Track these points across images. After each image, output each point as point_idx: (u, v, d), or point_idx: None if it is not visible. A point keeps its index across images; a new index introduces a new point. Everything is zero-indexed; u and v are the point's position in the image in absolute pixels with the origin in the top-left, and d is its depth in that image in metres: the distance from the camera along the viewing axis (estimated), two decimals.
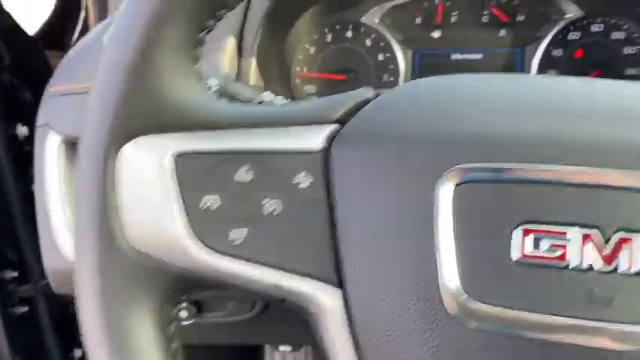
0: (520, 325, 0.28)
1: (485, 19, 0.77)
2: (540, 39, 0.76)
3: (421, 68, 0.79)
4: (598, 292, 0.27)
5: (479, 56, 0.78)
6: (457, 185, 0.29)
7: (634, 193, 0.27)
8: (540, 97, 0.32)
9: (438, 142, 0.30)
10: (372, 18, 0.79)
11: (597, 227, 0.27)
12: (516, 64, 0.77)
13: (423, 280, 0.29)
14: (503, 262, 0.28)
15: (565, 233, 0.27)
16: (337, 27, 0.79)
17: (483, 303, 0.28)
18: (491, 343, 0.28)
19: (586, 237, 0.27)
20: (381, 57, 0.79)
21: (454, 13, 0.78)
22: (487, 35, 0.77)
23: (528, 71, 0.77)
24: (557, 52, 0.77)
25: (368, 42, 0.79)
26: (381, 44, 0.79)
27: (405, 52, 0.79)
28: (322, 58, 0.80)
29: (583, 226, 0.27)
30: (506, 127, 0.30)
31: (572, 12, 0.75)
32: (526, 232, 0.28)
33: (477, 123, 0.30)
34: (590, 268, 0.27)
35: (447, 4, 0.78)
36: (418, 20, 0.79)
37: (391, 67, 0.79)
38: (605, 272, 0.27)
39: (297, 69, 0.80)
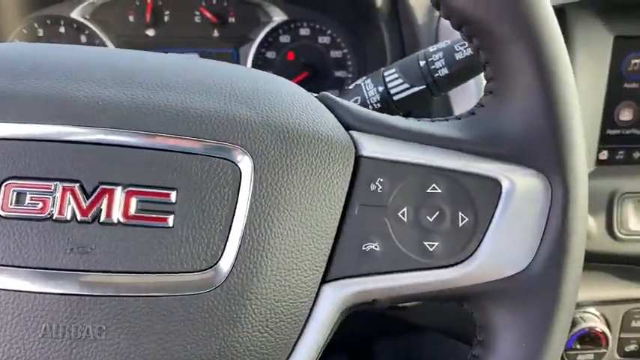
0: (9, 280, 0.28)
1: (197, 19, 0.77)
2: (252, 41, 0.78)
3: None
4: (80, 242, 0.28)
5: (195, 56, 0.78)
6: None
7: (111, 149, 0.28)
8: (40, 62, 0.32)
9: None
10: (82, 14, 0.76)
11: (79, 181, 0.28)
12: None
13: None
14: None
15: (49, 187, 0.28)
16: (48, 22, 0.76)
17: None
18: None
19: (67, 190, 0.28)
20: None
21: (166, 13, 0.77)
22: (201, 35, 0.78)
23: None
24: (271, 55, 0.79)
25: (83, 38, 0.77)
26: (96, 41, 0.77)
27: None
28: None
29: (65, 180, 0.28)
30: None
31: (279, 16, 0.77)
32: (9, 187, 0.28)
33: None
34: (73, 219, 0.28)
35: (158, 4, 0.76)
36: (131, 18, 0.77)
37: None
38: (86, 222, 0.28)
39: None
